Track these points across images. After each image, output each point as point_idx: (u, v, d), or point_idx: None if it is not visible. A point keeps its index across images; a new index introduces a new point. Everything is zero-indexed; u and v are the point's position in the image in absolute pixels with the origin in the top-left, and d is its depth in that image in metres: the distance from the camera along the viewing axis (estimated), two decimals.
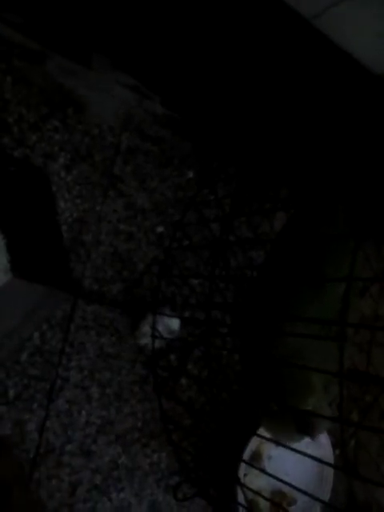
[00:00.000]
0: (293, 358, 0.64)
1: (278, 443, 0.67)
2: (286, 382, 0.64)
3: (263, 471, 0.75)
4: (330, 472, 0.99)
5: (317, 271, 0.67)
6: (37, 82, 0.88)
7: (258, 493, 0.77)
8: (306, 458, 0.62)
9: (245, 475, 0.91)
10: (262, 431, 0.79)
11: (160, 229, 0.98)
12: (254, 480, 0.91)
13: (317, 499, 0.68)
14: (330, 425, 0.69)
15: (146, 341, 0.93)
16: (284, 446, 0.65)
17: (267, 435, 0.71)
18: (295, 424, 0.62)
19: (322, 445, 0.99)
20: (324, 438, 1.00)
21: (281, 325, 0.66)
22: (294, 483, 0.65)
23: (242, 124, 0.97)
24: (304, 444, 0.94)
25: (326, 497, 1.00)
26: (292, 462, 0.97)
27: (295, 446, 0.65)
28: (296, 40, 0.77)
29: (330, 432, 1.00)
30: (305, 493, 0.65)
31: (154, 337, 0.88)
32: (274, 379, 0.66)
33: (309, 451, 0.95)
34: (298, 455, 0.62)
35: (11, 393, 0.84)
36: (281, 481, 0.66)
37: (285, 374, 0.65)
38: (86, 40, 0.89)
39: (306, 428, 0.62)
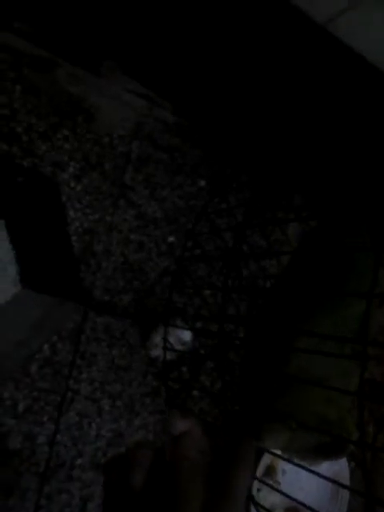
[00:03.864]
0: (301, 374, 0.61)
1: (290, 461, 0.65)
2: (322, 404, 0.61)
3: (275, 489, 0.73)
4: None
5: (339, 285, 0.65)
6: (46, 91, 0.88)
7: (270, 510, 0.75)
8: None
9: (258, 491, 0.89)
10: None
11: (171, 238, 0.97)
12: (267, 496, 0.89)
13: None
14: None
15: (157, 352, 0.92)
16: (296, 464, 0.63)
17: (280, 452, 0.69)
18: (320, 445, 0.60)
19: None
20: None
21: (293, 340, 0.64)
22: (308, 498, 0.63)
23: (255, 132, 0.96)
24: None
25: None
26: (306, 477, 0.94)
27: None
28: (310, 45, 0.75)
29: None
30: None
31: (165, 348, 0.87)
32: (298, 397, 0.63)
33: (323, 466, 0.93)
34: None
35: (21, 406, 0.83)
36: (293, 499, 0.63)
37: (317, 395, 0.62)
38: (95, 48, 0.89)
39: (332, 451, 0.59)
